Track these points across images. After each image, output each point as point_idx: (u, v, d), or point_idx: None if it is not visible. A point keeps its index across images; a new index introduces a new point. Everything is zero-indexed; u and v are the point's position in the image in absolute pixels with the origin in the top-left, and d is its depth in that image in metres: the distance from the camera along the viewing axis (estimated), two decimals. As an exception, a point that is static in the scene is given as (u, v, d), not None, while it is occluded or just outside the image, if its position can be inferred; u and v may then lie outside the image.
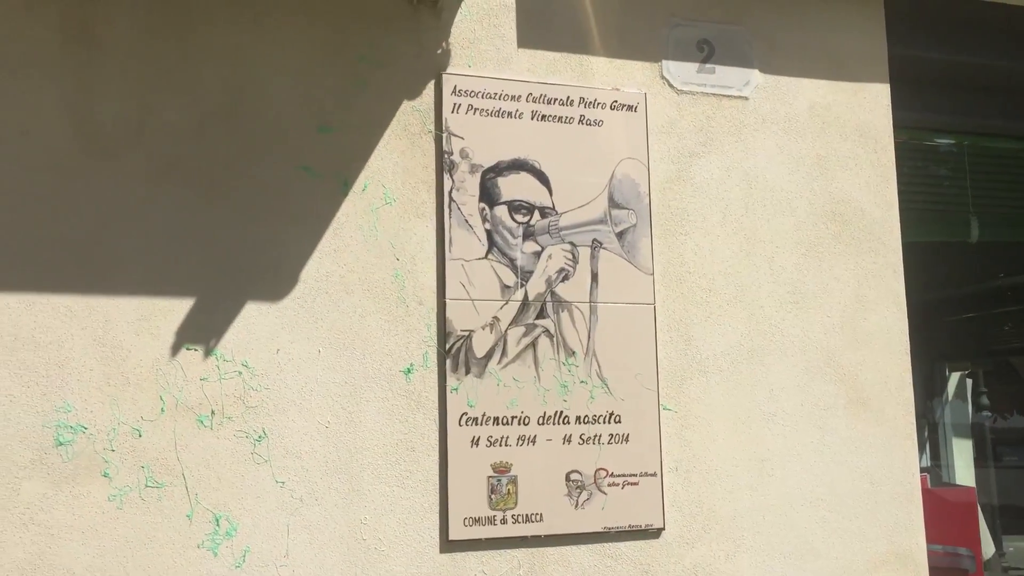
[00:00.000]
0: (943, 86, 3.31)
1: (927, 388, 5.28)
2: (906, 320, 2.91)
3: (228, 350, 2.31)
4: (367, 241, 2.48)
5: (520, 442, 2.53)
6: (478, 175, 2.61)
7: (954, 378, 5.57)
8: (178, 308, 2.29)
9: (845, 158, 2.95)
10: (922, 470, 3.04)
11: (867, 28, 3.04)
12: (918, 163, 3.36)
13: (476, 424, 2.50)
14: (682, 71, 2.84)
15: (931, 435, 5.17)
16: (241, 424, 2.29)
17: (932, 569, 2.89)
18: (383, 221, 2.50)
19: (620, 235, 2.71)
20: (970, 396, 5.62)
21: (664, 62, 2.82)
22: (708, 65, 2.87)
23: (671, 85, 2.82)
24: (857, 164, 2.96)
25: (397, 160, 2.53)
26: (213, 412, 2.28)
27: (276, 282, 2.38)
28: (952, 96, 3.35)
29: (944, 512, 3.49)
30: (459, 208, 2.57)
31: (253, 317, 2.35)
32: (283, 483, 2.31)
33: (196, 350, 2.29)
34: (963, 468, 5.10)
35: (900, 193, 3.00)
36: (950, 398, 5.49)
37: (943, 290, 5.12)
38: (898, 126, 3.05)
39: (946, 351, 5.65)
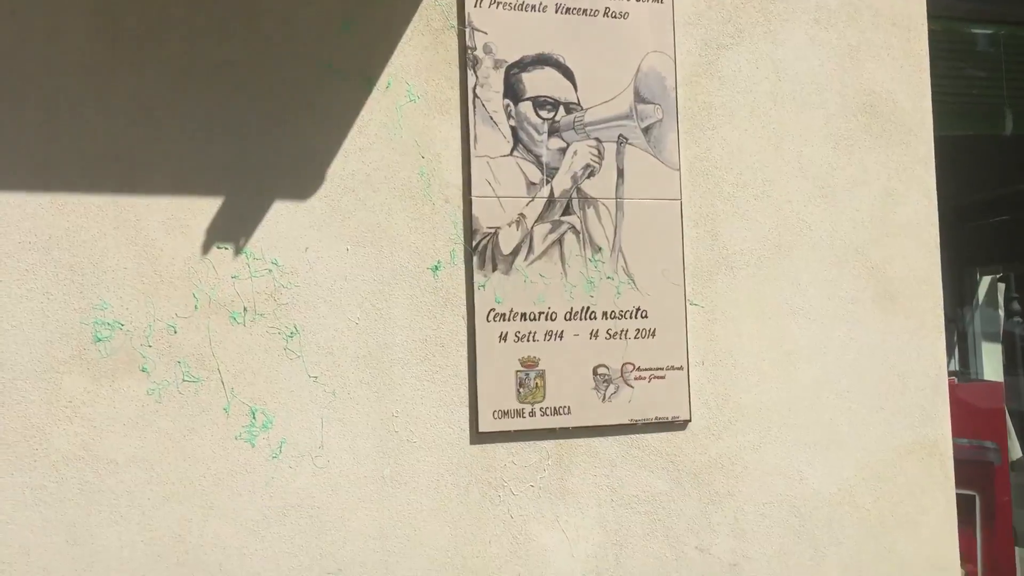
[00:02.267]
0: (980, -27, 3.21)
1: (957, 293, 5.24)
2: (936, 213, 2.88)
3: (258, 248, 2.34)
4: (392, 139, 2.47)
5: (547, 337, 2.56)
6: (502, 71, 2.58)
7: (985, 283, 5.51)
8: (207, 207, 2.31)
9: (877, 47, 2.88)
10: (950, 374, 3.05)
11: (902, -89, 2.94)
12: (952, 53, 3.28)
13: (504, 320, 2.52)
14: (709, -40, 2.77)
15: (960, 341, 5.15)
16: (273, 321, 2.33)
17: (958, 462, 2.92)
18: (407, 119, 2.49)
19: (646, 130, 2.69)
20: (1001, 302, 5.56)
21: (691, -49, 2.75)
22: (736, -47, 2.79)
23: (697, -25, 2.76)
24: (889, 54, 2.89)
25: (420, 56, 2.51)
26: (245, 309, 2.32)
27: (302, 181, 2.39)
28: (989, -17, 3.25)
29: (971, 407, 3.50)
30: (483, 105, 2.55)
31: (281, 216, 2.37)
32: (316, 377, 2.36)
33: (226, 248, 2.32)
34: (992, 375, 5.10)
35: (933, 84, 2.94)
36: (980, 303, 5.45)
37: (975, 191, 5.04)
38: (932, 14, 2.97)
39: (977, 255, 5.59)
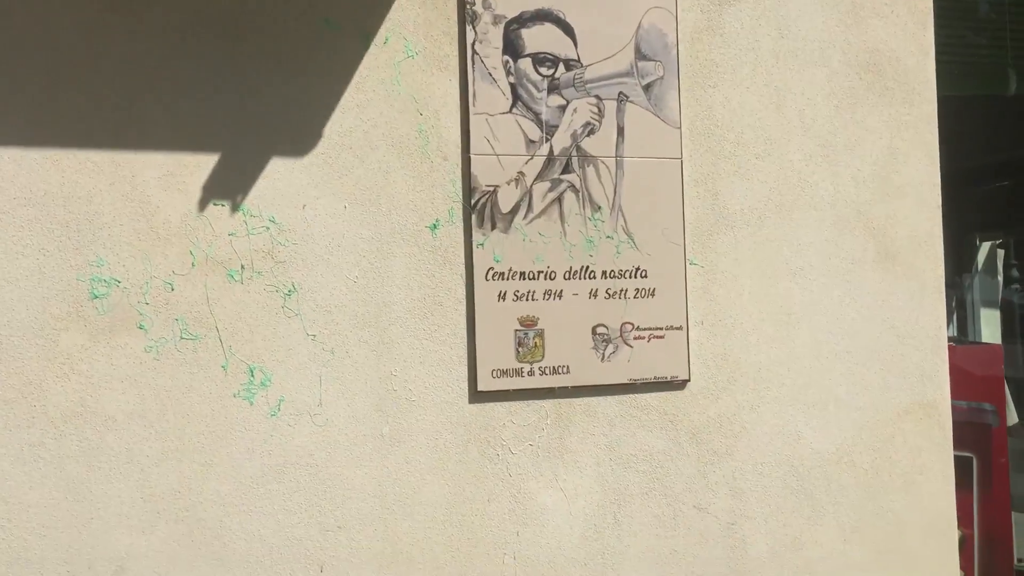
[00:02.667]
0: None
1: (956, 258, 5.22)
2: (938, 173, 2.87)
3: (255, 206, 2.32)
4: (390, 95, 2.44)
5: (547, 296, 2.55)
6: (501, 26, 2.54)
7: (984, 249, 5.49)
8: (204, 164, 2.29)
9: (881, 4, 2.85)
10: (948, 340, 3.04)
11: None
12: (956, 12, 3.24)
13: (503, 279, 2.51)
14: (712, -85, 2.73)
15: (958, 307, 5.14)
16: (271, 279, 2.32)
17: (956, 424, 2.93)
18: (405, 75, 2.46)
19: (647, 88, 2.66)
20: (1001, 268, 5.55)
21: (693, -95, 2.71)
22: (739, -92, 2.74)
23: (700, -70, 2.71)
24: (893, 11, 2.86)
25: (418, 11, 2.48)
26: (243, 267, 2.30)
27: (300, 138, 2.37)
28: (996, -59, 3.20)
29: (969, 369, 3.50)
30: (482, 61, 2.52)
31: (279, 173, 2.35)
32: (314, 336, 2.35)
33: (223, 205, 2.30)
34: (990, 340, 5.09)
35: (937, 43, 2.91)
36: (979, 270, 5.43)
37: (977, 154, 5.01)
38: (937, -29, 2.94)
39: (977, 220, 5.57)
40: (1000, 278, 5.51)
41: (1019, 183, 5.96)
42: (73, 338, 2.18)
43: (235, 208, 2.31)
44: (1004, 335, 5.27)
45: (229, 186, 2.31)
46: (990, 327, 5.28)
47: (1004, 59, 3.38)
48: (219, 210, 2.30)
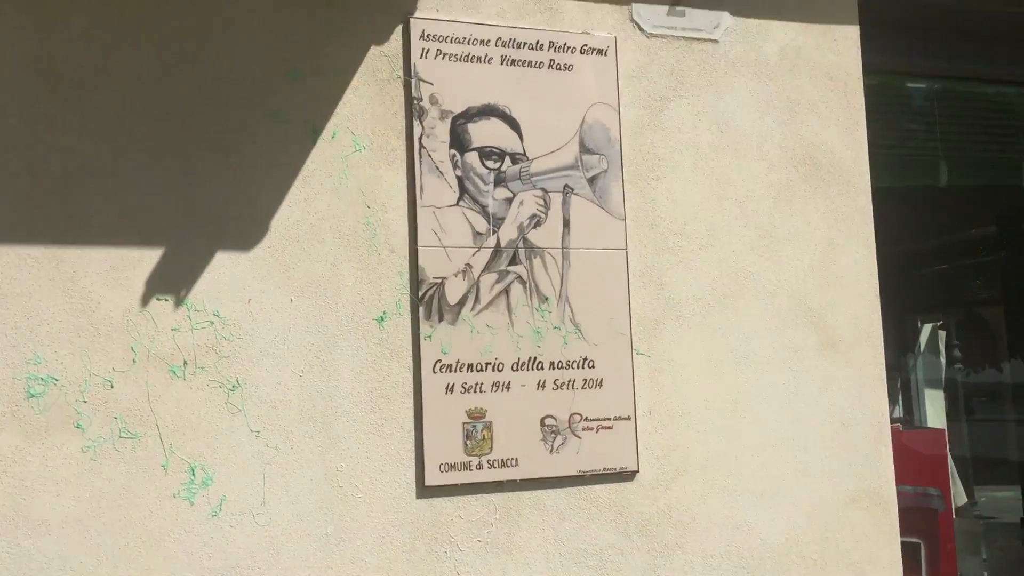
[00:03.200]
0: (915, 29, 3.30)
1: (899, 340, 5.32)
2: (875, 262, 2.94)
3: (199, 300, 2.30)
4: (338, 189, 2.46)
5: (494, 388, 2.54)
6: (448, 121, 2.59)
7: (926, 330, 5.61)
8: (147, 258, 2.27)
9: (815, 101, 2.95)
10: (894, 421, 3.08)
11: (837, -29, 3.03)
12: (888, 106, 3.37)
13: (450, 371, 2.50)
14: (652, 14, 2.82)
15: (903, 388, 5.22)
16: (214, 374, 2.28)
17: (902, 509, 2.95)
18: (353, 168, 2.48)
19: (591, 180, 2.71)
20: (943, 349, 5.66)
21: (634, 5, 2.80)
22: (678, 8, 2.85)
23: (641, 29, 2.81)
24: (827, 107, 2.96)
25: (366, 107, 2.51)
26: (185, 362, 2.27)
27: (246, 231, 2.36)
28: (923, 39, 3.34)
29: (914, 454, 3.55)
30: (430, 155, 2.56)
31: (224, 266, 2.33)
32: (258, 432, 2.31)
33: (167, 300, 2.27)
34: (935, 421, 5.16)
35: (870, 136, 3.01)
36: (922, 351, 5.54)
37: (915, 241, 5.16)
38: (868, 69, 3.05)
39: (918, 303, 5.71)
40: (943, 358, 5.63)
41: (956, 267, 6.14)
42: (7, 439, 2.11)
43: (179, 303, 2.28)
44: (949, 414, 5.35)
45: (173, 280, 2.29)
46: (935, 407, 5.35)
47: (935, 151, 3.51)
48: (162, 305, 2.27)
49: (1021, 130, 3.74)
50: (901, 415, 5.03)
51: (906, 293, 5.20)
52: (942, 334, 5.69)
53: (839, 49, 2.98)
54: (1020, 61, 3.51)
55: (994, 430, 5.97)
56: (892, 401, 4.18)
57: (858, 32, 3.01)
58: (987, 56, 3.46)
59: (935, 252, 5.69)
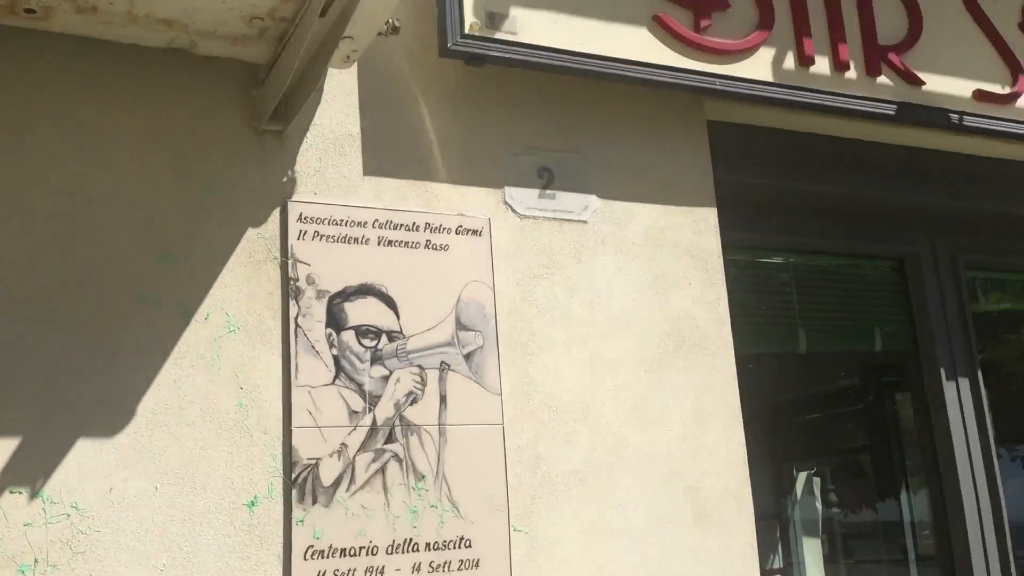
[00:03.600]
0: (769, 208, 3.55)
1: (776, 489, 5.44)
2: (743, 433, 3.04)
3: (56, 491, 2.20)
4: (209, 371, 2.43)
5: (368, 573, 2.48)
6: (325, 301, 2.61)
7: (802, 477, 5.77)
8: (2, 448, 2.17)
9: (680, 277, 3.11)
10: (774, 571, 3.14)
11: (694, 155, 3.25)
12: (748, 280, 3.57)
13: (323, 557, 2.44)
14: (524, 196, 2.96)
15: (782, 535, 5.31)
16: (67, 572, 2.16)
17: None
18: (226, 350, 2.46)
19: (468, 357, 2.75)
20: (819, 494, 5.82)
21: (507, 188, 2.94)
22: (549, 191, 2.99)
23: (514, 210, 2.93)
24: (691, 283, 3.12)
25: (241, 288, 2.52)
26: (36, 560, 2.15)
27: (111, 416, 2.30)
28: (778, 218, 3.59)
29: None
30: (305, 334, 2.56)
31: (86, 454, 2.25)
32: (114, 632, 2.18)
33: (21, 493, 2.17)
34: (814, 566, 5.25)
35: (733, 308, 3.17)
36: (799, 497, 5.68)
37: (786, 394, 5.37)
38: (728, 245, 3.24)
39: (794, 452, 5.88)
40: (819, 505, 5.77)
41: (827, 416, 6.38)
42: None
43: (34, 495, 2.18)
44: (827, 558, 5.45)
45: (29, 470, 2.19)
46: (812, 555, 5.44)
47: (794, 320, 3.72)
48: (16, 498, 2.16)
49: (871, 298, 4.01)
50: (781, 564, 5.10)
51: (780, 442, 5.35)
52: (817, 480, 5.86)
53: (699, 229, 3.17)
54: (864, 236, 3.80)
55: (868, 571, 6.09)
56: (772, 550, 4.27)
57: (716, 213, 3.21)
58: (836, 231, 3.73)
59: (807, 403, 5.92)
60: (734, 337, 3.14)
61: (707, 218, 3.20)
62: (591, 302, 2.96)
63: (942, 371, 3.78)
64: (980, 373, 3.84)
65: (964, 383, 3.79)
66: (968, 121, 3.52)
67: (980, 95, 3.59)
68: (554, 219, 2.98)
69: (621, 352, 2.95)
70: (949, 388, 3.77)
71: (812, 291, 3.84)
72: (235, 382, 2.45)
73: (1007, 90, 3.65)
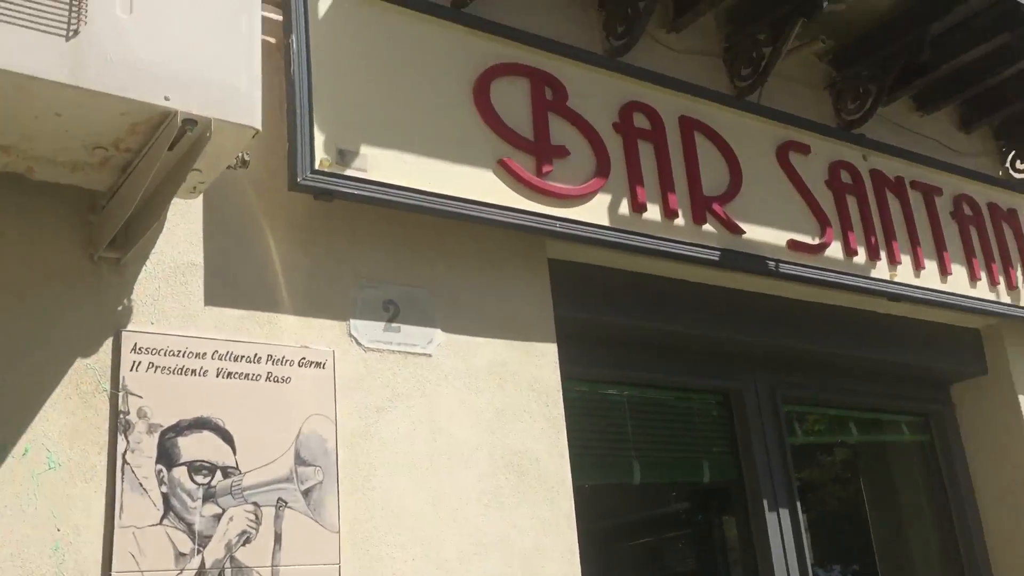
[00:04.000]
0: (607, 343, 3.70)
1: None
2: (579, 567, 3.08)
3: None
4: (24, 511, 2.27)
5: None
6: (156, 435, 2.51)
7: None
8: None
9: (521, 411, 3.17)
10: None
11: (536, 292, 3.37)
12: (587, 413, 3.67)
13: None
14: (369, 329, 2.97)
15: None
16: None
17: None
18: (45, 488, 2.31)
19: (306, 493, 2.69)
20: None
21: (352, 321, 2.94)
22: (394, 324, 3.02)
23: (359, 343, 2.94)
24: (531, 417, 3.19)
25: (66, 421, 2.39)
26: None
27: (-94, 564, 2.10)
28: (614, 351, 3.74)
29: None
30: (133, 471, 2.45)
31: None
32: None
33: None
34: None
35: (572, 440, 3.25)
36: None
37: (621, 519, 5.48)
38: (567, 378, 3.35)
39: (631, 572, 5.96)
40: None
41: (657, 540, 6.52)
42: None
43: None
44: None
45: None
46: None
47: (628, 452, 3.85)
48: None
49: (699, 431, 4.20)
50: None
51: (617, 568, 5.41)
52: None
53: (540, 364, 3.27)
54: (693, 371, 4.01)
55: None
56: None
57: (556, 348, 3.32)
58: (668, 366, 3.92)
59: (640, 528, 6.04)
60: (572, 469, 3.21)
61: (547, 353, 3.30)
62: (434, 436, 2.97)
63: (764, 500, 3.97)
64: (798, 501, 4.05)
65: (784, 511, 3.99)
66: (783, 268, 3.82)
67: (793, 244, 3.91)
68: (399, 352, 3.00)
69: (463, 487, 2.96)
70: (771, 515, 3.96)
71: (646, 423, 3.99)
72: (52, 523, 2.30)
73: (817, 241, 3.99)
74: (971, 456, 4.76)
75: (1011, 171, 5.11)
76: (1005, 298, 4.59)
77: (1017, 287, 4.66)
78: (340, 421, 2.81)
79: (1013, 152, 5.12)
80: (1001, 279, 4.60)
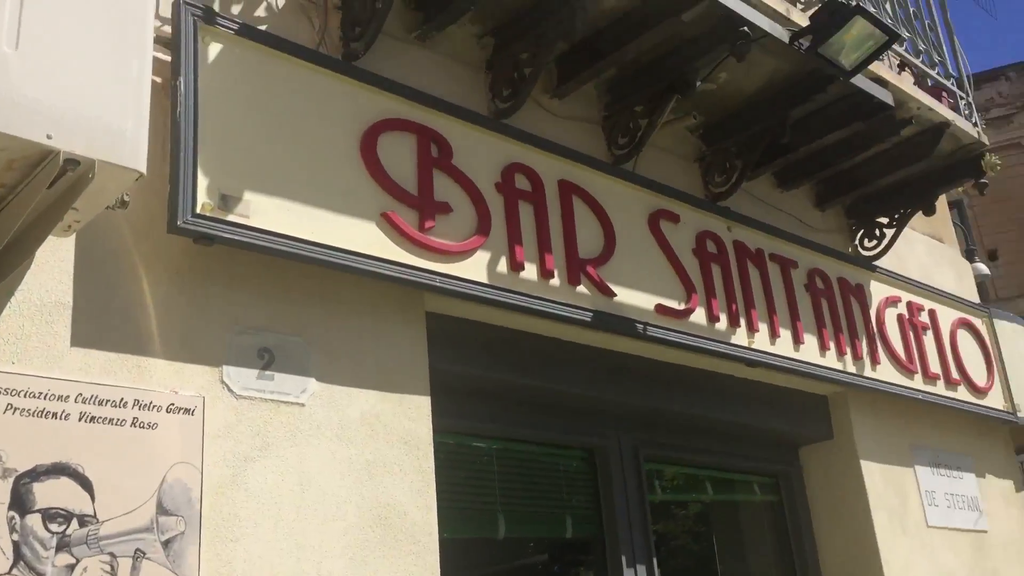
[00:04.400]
0: (479, 396, 3.76)
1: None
2: (443, 622, 3.10)
3: None
4: None
5: None
6: (11, 480, 2.41)
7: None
8: None
9: (391, 464, 3.18)
10: None
11: (412, 344, 3.40)
12: (456, 466, 3.71)
13: None
14: (242, 376, 2.94)
15: None
16: None
17: None
18: None
19: (166, 543, 2.62)
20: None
21: (225, 367, 2.91)
22: (268, 372, 3.00)
23: (231, 390, 2.90)
24: (402, 469, 3.20)
25: (-89, 463, 2.27)
26: None
27: None
28: (486, 406, 3.81)
29: None
30: (-17, 518, 2.34)
31: None
32: None
33: None
34: None
35: (439, 494, 3.28)
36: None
37: (481, 569, 5.49)
38: (439, 431, 3.38)
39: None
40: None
41: None
42: None
43: None
44: None
45: None
46: None
47: (495, 507, 3.90)
48: None
49: (564, 486, 4.29)
50: None
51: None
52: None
53: (413, 416, 3.29)
54: (561, 428, 4.11)
55: None
56: None
57: (429, 401, 3.36)
58: (537, 422, 4.01)
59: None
60: (439, 522, 3.23)
61: (421, 405, 3.33)
62: (302, 487, 2.95)
63: (623, 555, 4.08)
64: (655, 557, 4.18)
65: (641, 567, 4.11)
66: (651, 331, 3.99)
67: (661, 308, 4.09)
68: (271, 400, 2.97)
69: (329, 539, 2.94)
70: (628, 571, 4.07)
71: (513, 477, 4.05)
72: None
73: (683, 306, 4.19)
74: (816, 516, 5.03)
75: (860, 248, 5.48)
76: (851, 367, 4.90)
77: (862, 358, 4.99)
78: (207, 470, 2.76)
79: (862, 231, 5.49)
80: (848, 349, 4.91)
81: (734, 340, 4.36)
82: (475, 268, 3.52)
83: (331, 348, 3.17)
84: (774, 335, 4.56)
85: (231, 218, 2.92)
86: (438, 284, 3.38)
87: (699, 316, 4.24)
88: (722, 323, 4.33)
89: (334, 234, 3.14)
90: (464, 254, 3.51)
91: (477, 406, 3.76)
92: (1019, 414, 5.80)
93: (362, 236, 3.22)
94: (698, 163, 4.78)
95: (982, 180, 5.22)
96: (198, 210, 2.84)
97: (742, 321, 4.42)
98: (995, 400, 5.72)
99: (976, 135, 5.10)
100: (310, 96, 3.26)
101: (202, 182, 2.88)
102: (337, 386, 3.14)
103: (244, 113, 3.07)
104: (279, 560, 2.82)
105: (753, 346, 4.43)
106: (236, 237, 2.91)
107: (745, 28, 3.76)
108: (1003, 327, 6.05)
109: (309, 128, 3.22)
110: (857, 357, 4.96)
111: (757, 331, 4.47)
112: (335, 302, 3.23)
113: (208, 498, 2.74)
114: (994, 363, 5.83)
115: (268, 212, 3.01)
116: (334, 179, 3.23)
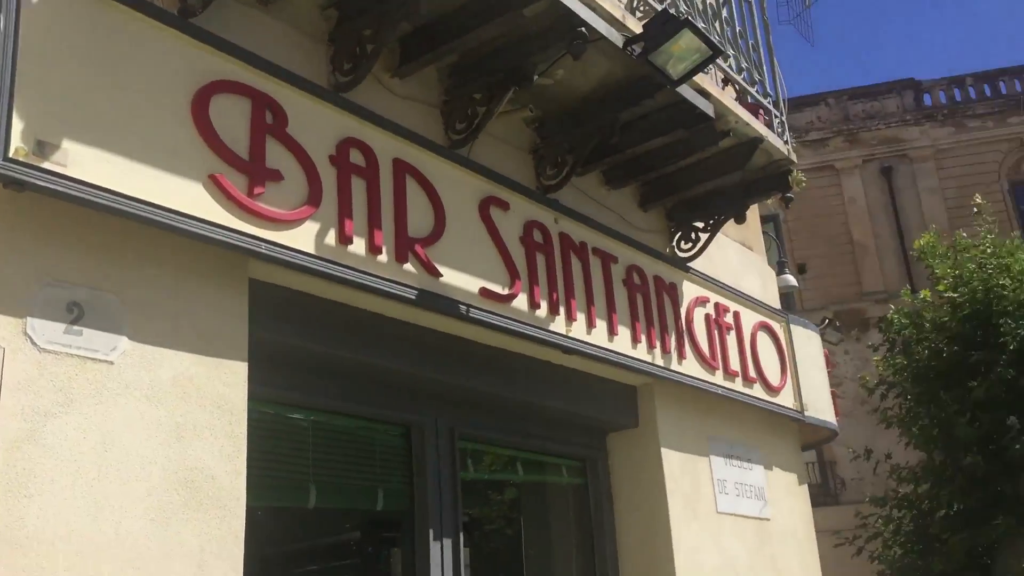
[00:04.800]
0: (298, 367, 3.76)
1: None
2: (245, 586, 3.11)
3: None
4: None
5: None
6: None
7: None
8: None
9: (202, 427, 3.16)
10: None
11: (233, 309, 3.37)
12: (270, 434, 3.71)
13: None
14: (47, 329, 2.85)
15: None
16: None
17: None
18: None
19: (-48, 497, 2.52)
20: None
21: (29, 319, 2.81)
22: (76, 327, 2.91)
23: (34, 342, 2.80)
24: (213, 433, 3.18)
25: None
26: None
27: None
28: (305, 376, 3.82)
29: None
30: None
31: None
32: None
33: None
34: None
35: (251, 462, 3.28)
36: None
37: (293, 545, 5.47)
38: (255, 399, 3.37)
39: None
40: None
41: (326, 568, 6.56)
42: None
43: None
44: None
45: None
46: None
47: (307, 477, 3.92)
48: None
49: (378, 461, 4.36)
50: None
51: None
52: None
53: (229, 381, 3.27)
54: (379, 402, 4.17)
55: None
56: None
57: (247, 367, 3.35)
58: (355, 396, 4.05)
59: (311, 555, 6.04)
60: (248, 489, 3.23)
61: (237, 371, 3.32)
62: (105, 446, 2.88)
63: (431, 530, 4.19)
64: (462, 534, 4.31)
65: (447, 543, 4.23)
66: (473, 313, 4.11)
67: (485, 292, 4.21)
68: (78, 356, 2.89)
69: (131, 500, 2.90)
70: (435, 546, 4.18)
71: (327, 450, 4.08)
72: None
73: (506, 291, 4.33)
74: (617, 499, 5.31)
75: (676, 250, 5.81)
76: (659, 360, 5.20)
77: (670, 352, 5.30)
78: (2, 423, 2.67)
79: (680, 233, 5.83)
80: (658, 343, 5.21)
81: (553, 327, 4.54)
82: (303, 238, 3.53)
83: (147, 308, 3.12)
84: (591, 325, 4.78)
85: (46, 165, 2.82)
86: (263, 251, 3.37)
87: (521, 302, 4.40)
88: (543, 310, 4.50)
89: (157, 192, 3.08)
90: (292, 223, 3.51)
91: (296, 376, 3.77)
92: (806, 413, 6.31)
93: (187, 196, 3.17)
94: (532, 155, 4.94)
95: (788, 195, 5.65)
96: (10, 154, 2.73)
97: (561, 310, 4.61)
98: (786, 399, 6.20)
99: (786, 152, 5.50)
100: (142, 49, 3.18)
101: (17, 125, 2.76)
102: (150, 346, 3.09)
103: (69, 59, 2.96)
104: (75, 518, 2.76)
105: (570, 334, 4.63)
106: (49, 185, 2.81)
107: (583, 28, 3.93)
108: (798, 332, 6.55)
109: (139, 82, 3.15)
110: (666, 351, 5.26)
111: (575, 320, 4.68)
112: (155, 262, 3.17)
113: (2, 452, 2.64)
114: (788, 365, 6.31)
115: (88, 163, 2.92)
116: (162, 136, 3.17)
